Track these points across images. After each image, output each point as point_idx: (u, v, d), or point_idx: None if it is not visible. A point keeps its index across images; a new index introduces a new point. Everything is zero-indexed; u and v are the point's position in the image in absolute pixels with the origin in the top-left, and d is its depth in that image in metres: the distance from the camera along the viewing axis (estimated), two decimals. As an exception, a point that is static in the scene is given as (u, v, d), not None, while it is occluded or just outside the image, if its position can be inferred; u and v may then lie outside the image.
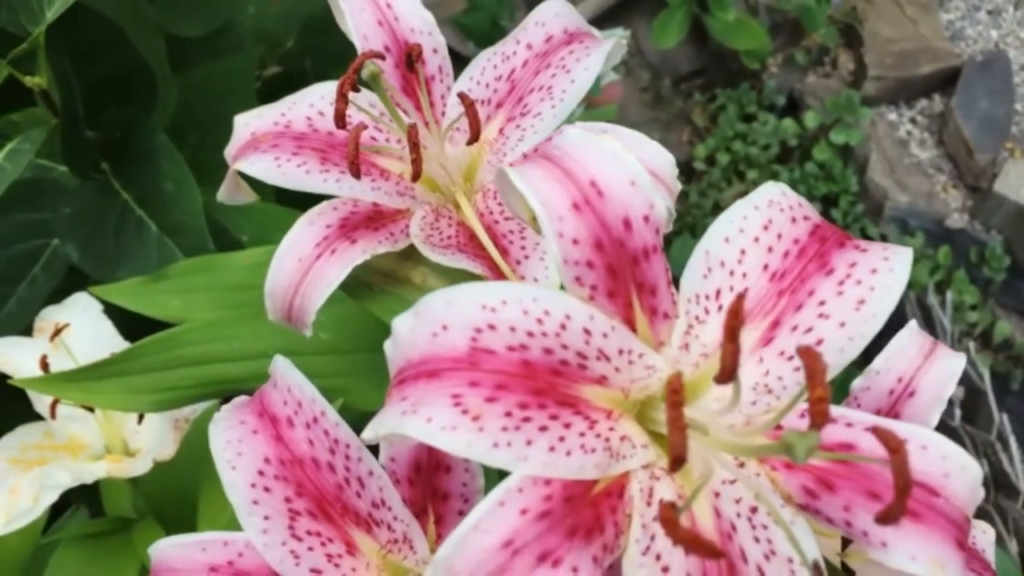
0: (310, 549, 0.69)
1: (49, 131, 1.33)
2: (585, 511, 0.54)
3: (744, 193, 0.77)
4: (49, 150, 1.59)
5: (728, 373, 0.48)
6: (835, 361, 0.59)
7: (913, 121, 3.94)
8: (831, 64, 4.11)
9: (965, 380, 3.20)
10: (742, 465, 0.58)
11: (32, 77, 1.23)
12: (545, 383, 0.55)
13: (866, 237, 3.74)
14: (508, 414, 0.54)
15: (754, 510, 0.57)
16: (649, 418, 0.61)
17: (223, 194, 0.94)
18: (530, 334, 0.55)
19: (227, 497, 0.69)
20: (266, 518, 0.69)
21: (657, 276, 0.58)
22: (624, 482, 0.57)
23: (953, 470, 0.56)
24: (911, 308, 3.31)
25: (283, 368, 0.72)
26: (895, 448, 0.43)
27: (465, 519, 0.52)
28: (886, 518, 0.46)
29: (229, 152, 0.91)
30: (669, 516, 0.46)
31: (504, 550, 0.51)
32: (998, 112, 3.79)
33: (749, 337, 0.60)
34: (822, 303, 0.60)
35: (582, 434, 0.55)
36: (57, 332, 1.13)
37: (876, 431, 0.45)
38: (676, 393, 0.46)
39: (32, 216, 1.47)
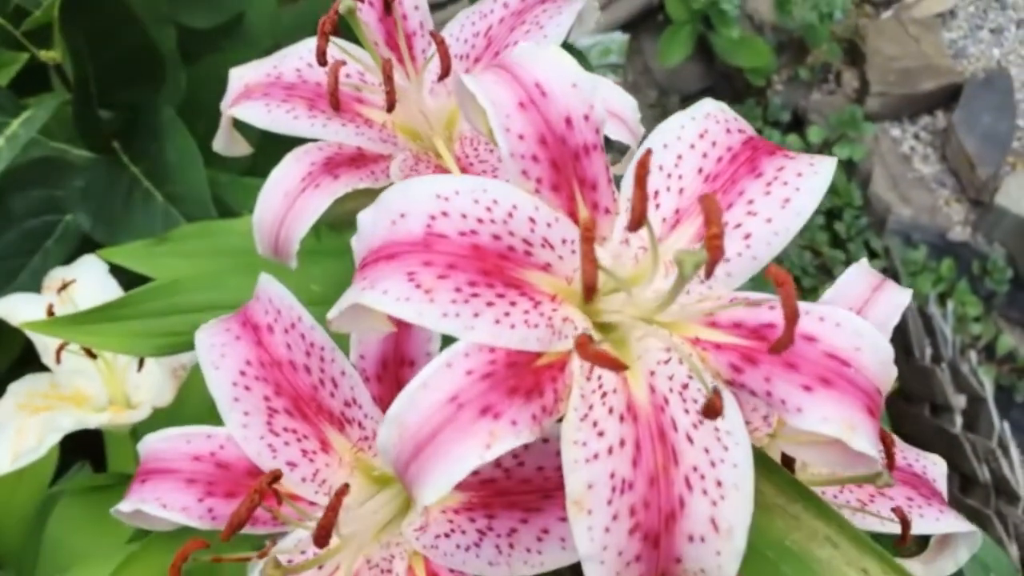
0: (286, 444, 0.74)
1: (61, 106, 1.40)
2: (527, 377, 0.59)
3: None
4: (65, 134, 1.67)
5: (637, 218, 0.53)
6: (762, 253, 0.64)
7: (916, 137, 4.00)
8: (835, 81, 4.17)
9: (966, 388, 3.23)
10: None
11: (48, 51, 1.30)
12: (493, 266, 0.61)
13: (869, 249, 3.79)
14: (458, 289, 0.59)
15: (685, 386, 0.62)
16: (594, 309, 0.66)
17: (219, 144, 1.00)
18: (480, 220, 0.61)
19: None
20: (246, 414, 0.74)
21: (597, 173, 0.63)
22: (566, 359, 0.62)
23: (864, 345, 0.61)
24: (912, 317, 3.34)
25: (265, 281, 0.78)
26: (782, 282, 0.49)
27: (414, 378, 0.58)
28: (777, 347, 0.51)
29: (225, 103, 0.97)
30: (583, 341, 0.51)
31: (450, 404, 0.57)
32: (1000, 127, 3.84)
33: (684, 233, 0.66)
34: (751, 202, 0.65)
35: (526, 311, 0.61)
36: (64, 286, 1.19)
37: (770, 271, 0.50)
38: (588, 231, 0.52)
39: (47, 193, 1.54)
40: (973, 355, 3.34)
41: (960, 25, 4.23)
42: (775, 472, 0.71)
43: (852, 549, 0.68)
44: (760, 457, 0.66)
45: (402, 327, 0.74)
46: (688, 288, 0.65)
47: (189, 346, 1.11)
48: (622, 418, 0.60)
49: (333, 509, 0.63)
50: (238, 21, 1.88)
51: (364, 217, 0.63)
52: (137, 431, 1.26)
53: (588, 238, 0.52)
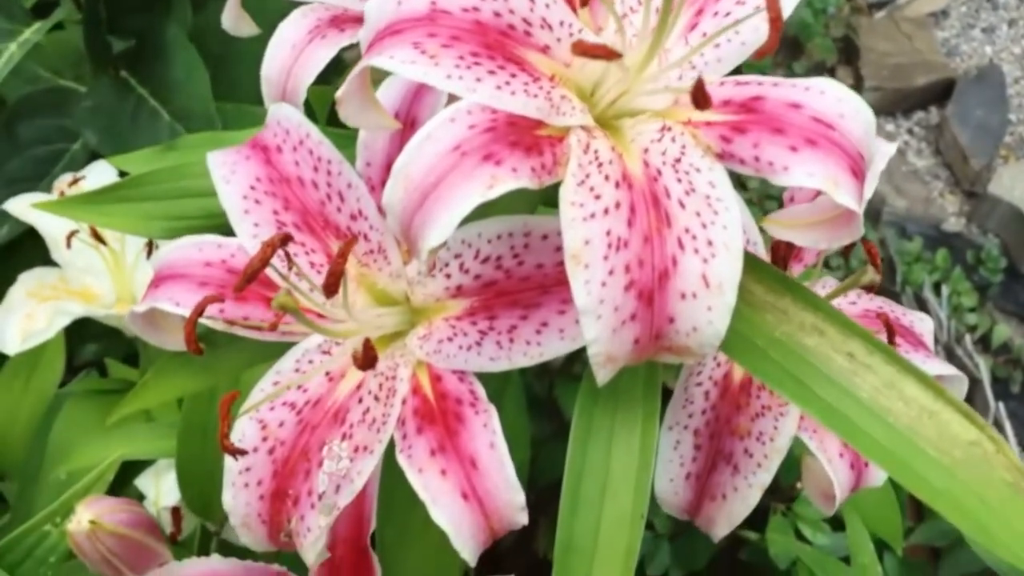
0: (295, 256, 0.77)
1: (69, 32, 1.43)
2: (527, 138, 0.62)
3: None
4: (73, 72, 1.71)
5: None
6: (751, 39, 0.68)
7: (910, 131, 4.04)
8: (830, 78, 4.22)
9: (961, 370, 3.25)
10: (668, 129, 0.66)
11: (61, -33, 1.34)
12: (495, 41, 0.64)
13: (864, 240, 3.82)
14: (461, 57, 0.62)
15: (678, 160, 0.65)
16: (591, 102, 0.69)
17: (227, 21, 1.04)
18: (482, -2, 0.64)
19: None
20: (256, 225, 0.77)
21: (595, -39, 0.67)
22: (564, 135, 0.65)
23: (848, 111, 0.64)
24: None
25: (276, 108, 0.81)
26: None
27: (418, 133, 0.60)
28: (762, 53, 0.54)
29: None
30: (578, 40, 0.54)
31: (453, 153, 0.60)
32: (992, 120, 3.88)
33: (678, 23, 0.69)
34: (740, -7, 0.69)
35: (526, 83, 0.64)
36: (75, 181, 1.22)
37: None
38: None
39: (55, 122, 1.58)
40: (968, 339, 3.37)
41: (952, 24, 4.29)
42: (764, 271, 0.74)
43: (838, 335, 0.70)
44: (749, 258, 0.69)
45: (407, 126, 0.78)
46: (680, 74, 0.68)
47: (199, 229, 1.14)
48: (617, 184, 0.63)
49: (343, 255, 0.66)
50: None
51: (370, 5, 0.66)
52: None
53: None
